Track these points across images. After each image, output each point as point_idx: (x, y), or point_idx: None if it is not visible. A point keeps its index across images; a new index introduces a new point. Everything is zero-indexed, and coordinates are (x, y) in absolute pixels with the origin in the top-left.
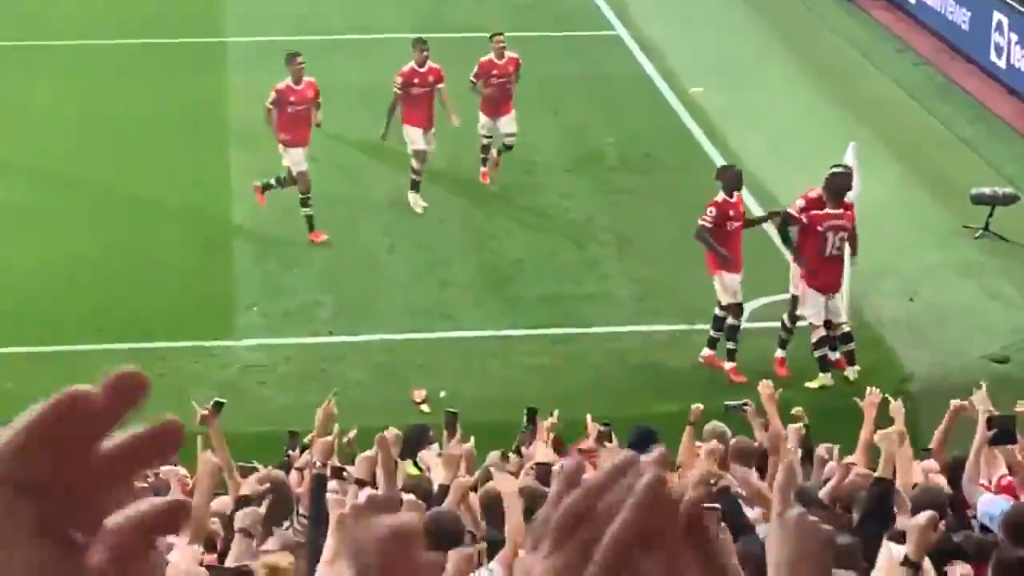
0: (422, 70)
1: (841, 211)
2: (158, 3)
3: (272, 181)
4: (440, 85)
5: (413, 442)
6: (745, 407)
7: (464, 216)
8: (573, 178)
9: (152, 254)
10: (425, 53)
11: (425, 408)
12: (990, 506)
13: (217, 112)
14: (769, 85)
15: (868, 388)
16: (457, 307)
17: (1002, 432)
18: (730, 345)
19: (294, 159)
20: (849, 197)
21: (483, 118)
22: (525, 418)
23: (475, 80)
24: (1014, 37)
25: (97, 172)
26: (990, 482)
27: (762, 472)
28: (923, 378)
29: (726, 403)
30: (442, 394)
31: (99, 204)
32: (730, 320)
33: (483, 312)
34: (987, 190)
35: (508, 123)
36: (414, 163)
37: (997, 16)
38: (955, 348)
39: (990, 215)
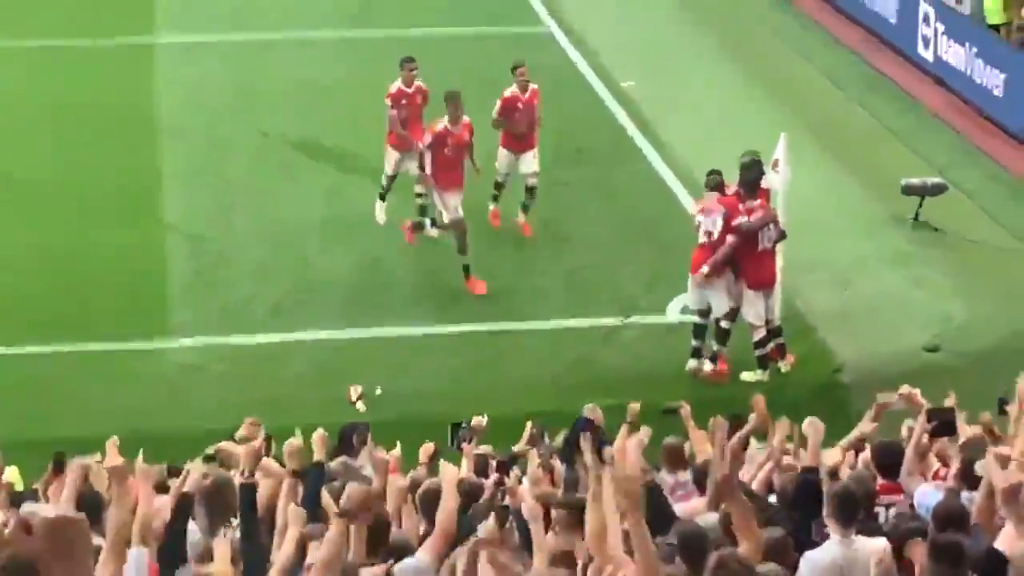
0: (409, 90)
1: (759, 201)
2: (87, 2)
3: (427, 222)
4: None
5: (346, 441)
6: (680, 408)
7: (400, 212)
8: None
9: (86, 254)
10: (413, 72)
11: (360, 406)
12: (926, 497)
13: (147, 109)
14: (699, 77)
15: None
16: (393, 303)
17: (942, 424)
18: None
19: (448, 204)
20: (777, 187)
21: (503, 154)
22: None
23: (500, 118)
24: (940, 28)
25: (28, 171)
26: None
27: None
28: (855, 368)
29: (665, 405)
30: (378, 391)
31: (30, 203)
32: (725, 324)
33: (419, 308)
34: (917, 180)
35: (531, 161)
36: (384, 181)
37: (924, 7)
38: (887, 337)
39: (920, 205)
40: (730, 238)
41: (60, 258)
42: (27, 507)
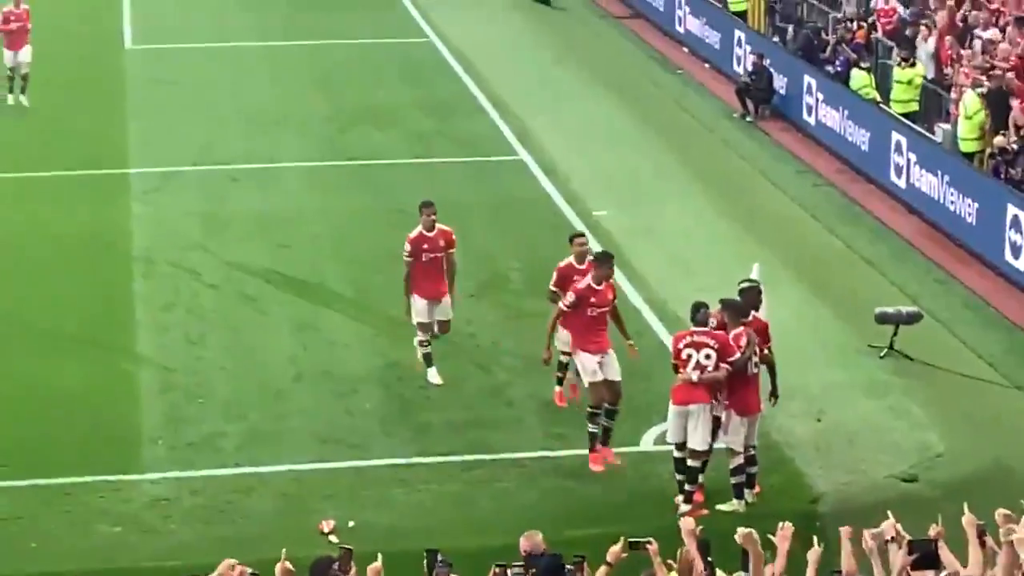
0: (431, 234)
1: (741, 329)
2: (60, 135)
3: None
4: (451, 250)
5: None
6: (648, 544)
7: (370, 343)
8: (478, 303)
9: (55, 385)
10: (433, 217)
11: (333, 539)
12: None
13: (120, 242)
14: (672, 205)
15: (780, 523)
16: (364, 435)
17: (924, 556)
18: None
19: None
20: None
21: (563, 332)
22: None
23: (555, 290)
24: (912, 157)
25: None
26: None
27: None
28: (832, 498)
29: (629, 539)
30: (351, 524)
31: (0, 335)
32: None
33: (391, 440)
34: (891, 309)
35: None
36: (420, 335)
37: (896, 136)
38: (863, 468)
39: (895, 334)
40: (722, 368)
41: (28, 390)
42: None
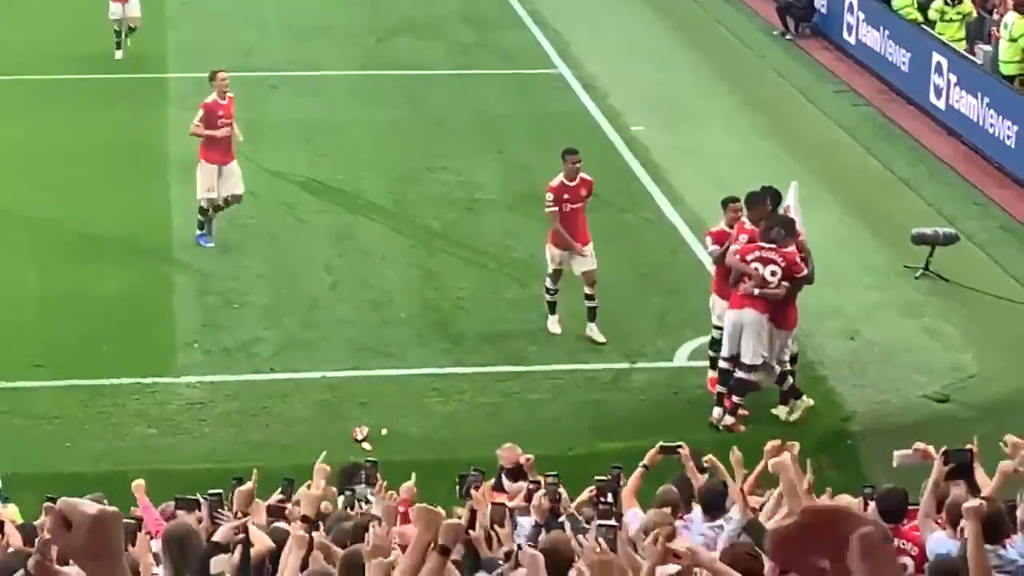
0: (572, 184)
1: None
2: (100, 39)
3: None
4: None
5: (345, 479)
6: (679, 449)
7: (407, 254)
8: (516, 216)
9: (92, 290)
10: (577, 165)
11: (366, 446)
12: (938, 545)
13: (158, 147)
14: (710, 123)
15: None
16: (399, 345)
17: (959, 466)
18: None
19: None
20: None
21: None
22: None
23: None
24: (952, 78)
25: (36, 208)
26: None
27: None
28: (865, 417)
29: (662, 444)
30: (384, 432)
31: (38, 239)
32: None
33: (425, 350)
34: (928, 230)
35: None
36: (548, 283)
37: (936, 57)
38: (896, 387)
39: (931, 255)
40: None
41: (66, 293)
42: (64, 502)
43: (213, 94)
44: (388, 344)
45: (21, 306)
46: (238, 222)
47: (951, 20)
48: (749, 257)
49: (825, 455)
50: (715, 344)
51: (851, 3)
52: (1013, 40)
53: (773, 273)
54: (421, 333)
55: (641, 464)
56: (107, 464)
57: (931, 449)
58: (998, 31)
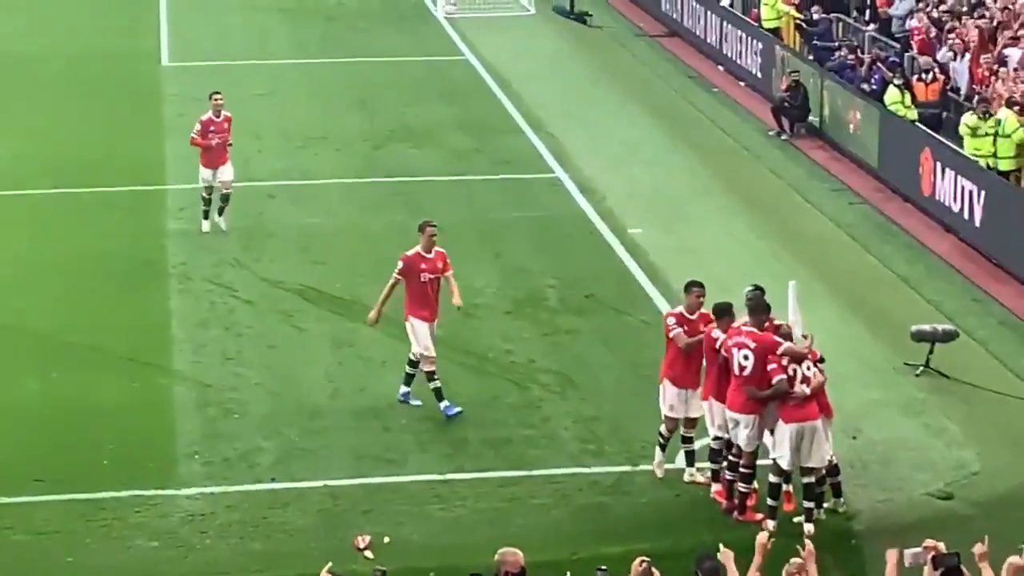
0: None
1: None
2: (99, 151)
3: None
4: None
5: None
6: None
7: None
8: (515, 320)
9: (92, 402)
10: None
11: (369, 554)
12: None
13: (157, 259)
14: (707, 224)
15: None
16: (401, 451)
17: (948, 570)
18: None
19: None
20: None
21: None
22: None
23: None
24: (949, 174)
25: (37, 319)
26: None
27: None
28: (868, 516)
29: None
30: (386, 540)
31: (39, 351)
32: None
33: (427, 456)
34: (927, 327)
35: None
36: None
37: (931, 154)
38: (899, 486)
39: (931, 352)
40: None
41: (68, 408)
42: None
43: (210, 111)
44: (389, 451)
45: (21, 419)
46: (236, 331)
47: (985, 135)
48: (729, 342)
49: (828, 555)
50: (715, 454)
51: (845, 102)
52: (1006, 136)
53: (746, 357)
54: (422, 439)
55: None
56: None
57: (941, 545)
58: (997, 129)
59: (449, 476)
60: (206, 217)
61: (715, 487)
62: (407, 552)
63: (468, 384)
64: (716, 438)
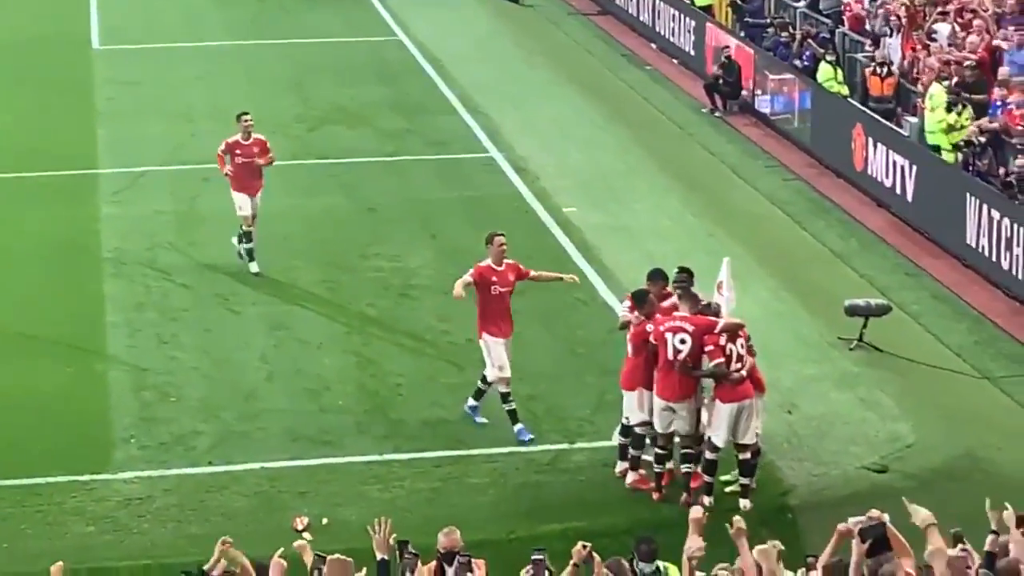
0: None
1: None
2: (30, 136)
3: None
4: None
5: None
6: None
7: (343, 341)
8: (451, 301)
9: (28, 386)
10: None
11: (307, 536)
12: None
13: (90, 244)
14: (641, 202)
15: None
16: (338, 432)
17: (876, 541)
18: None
19: None
20: (722, 310)
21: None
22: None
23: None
24: (880, 150)
25: None
26: None
27: None
28: (804, 490)
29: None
30: (324, 521)
31: None
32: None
33: (364, 437)
34: (860, 301)
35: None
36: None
37: (863, 130)
38: (835, 460)
39: (864, 326)
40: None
41: (2, 394)
42: None
43: (238, 134)
44: (326, 432)
45: None
46: (171, 315)
47: (962, 128)
48: (662, 328)
49: (765, 530)
50: (639, 440)
51: (777, 78)
52: (933, 110)
53: (683, 341)
54: (359, 420)
55: (572, 563)
56: (45, 563)
57: (885, 516)
58: (923, 103)
59: (386, 456)
60: (252, 258)
61: (632, 476)
62: (345, 533)
63: (405, 364)
64: (644, 423)
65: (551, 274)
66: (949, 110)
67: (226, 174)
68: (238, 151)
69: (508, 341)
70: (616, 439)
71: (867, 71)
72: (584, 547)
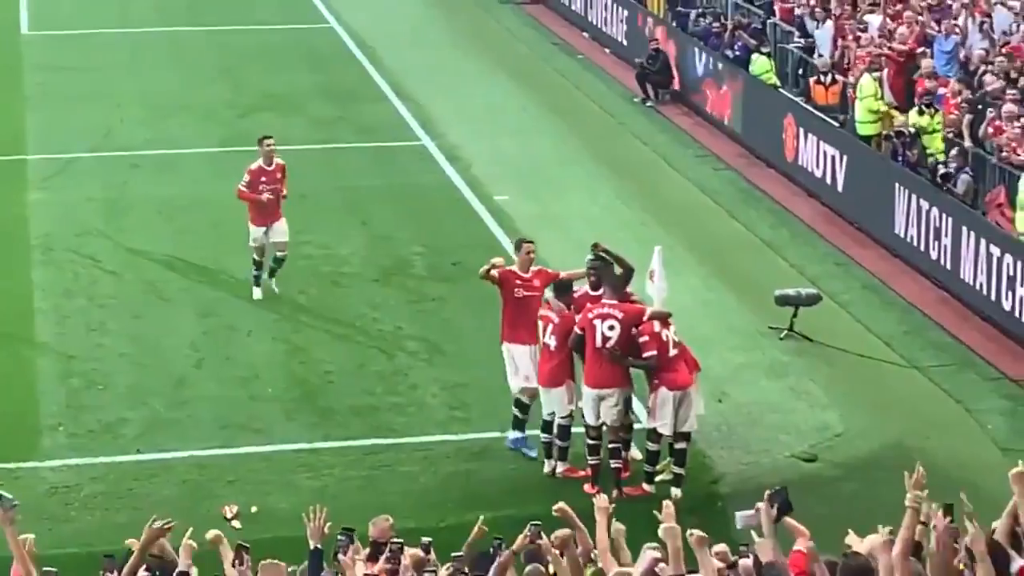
0: (526, 275)
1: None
2: None
3: None
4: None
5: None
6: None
7: (273, 329)
8: (381, 288)
9: None
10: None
11: (236, 524)
12: None
13: (18, 231)
14: (573, 191)
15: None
16: (267, 421)
17: (782, 505)
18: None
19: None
20: (654, 299)
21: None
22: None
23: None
24: (811, 140)
25: None
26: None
27: None
28: (734, 478)
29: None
30: (253, 509)
31: None
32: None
33: (294, 425)
34: (791, 291)
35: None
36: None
37: (794, 120)
38: (764, 448)
39: (794, 316)
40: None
41: None
42: None
43: (260, 160)
44: (256, 420)
45: None
46: (99, 302)
47: (933, 132)
48: (590, 315)
49: (695, 518)
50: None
51: (708, 68)
52: (862, 100)
53: (611, 328)
54: (289, 408)
55: (510, 550)
56: None
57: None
58: (853, 93)
59: (316, 445)
60: (257, 283)
61: (562, 466)
62: (275, 521)
63: (335, 352)
64: (568, 416)
65: (578, 271)
66: (922, 113)
67: (261, 201)
68: (263, 179)
69: (534, 348)
70: (542, 436)
71: (811, 80)
72: (532, 527)
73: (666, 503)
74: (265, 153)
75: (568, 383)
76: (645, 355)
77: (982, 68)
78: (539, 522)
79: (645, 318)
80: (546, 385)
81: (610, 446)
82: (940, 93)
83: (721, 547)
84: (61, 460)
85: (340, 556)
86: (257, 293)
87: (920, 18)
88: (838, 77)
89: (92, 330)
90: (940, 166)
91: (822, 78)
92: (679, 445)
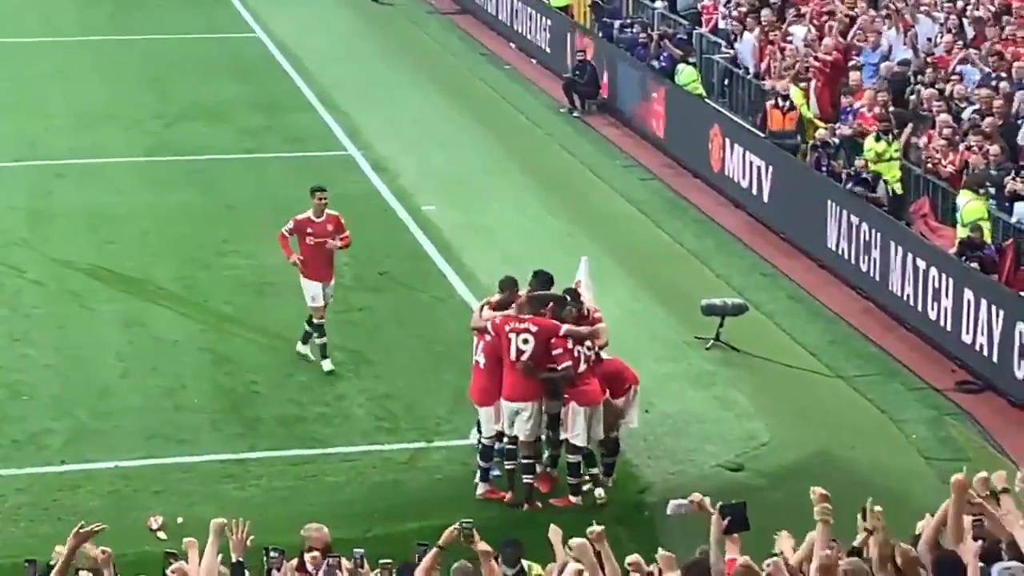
0: (318, 220)
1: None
2: None
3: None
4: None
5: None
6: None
7: (198, 339)
8: None
9: None
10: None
11: (162, 535)
12: None
13: None
14: (500, 201)
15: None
16: (193, 431)
17: (735, 519)
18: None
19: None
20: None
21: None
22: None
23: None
24: (737, 150)
25: None
26: None
27: None
28: (661, 488)
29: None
30: (179, 520)
31: None
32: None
33: (220, 435)
34: (717, 301)
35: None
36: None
37: (719, 130)
38: (690, 458)
39: (720, 325)
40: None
41: None
42: None
43: (309, 211)
44: (181, 431)
45: None
46: (23, 312)
47: (891, 159)
48: (506, 327)
49: (622, 528)
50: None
51: (634, 78)
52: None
53: (525, 341)
54: (215, 419)
55: (436, 544)
56: None
57: (707, 500)
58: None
59: (242, 455)
60: (325, 355)
61: (482, 487)
62: (200, 532)
63: (261, 362)
64: (493, 436)
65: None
66: (878, 139)
67: (294, 263)
68: (310, 230)
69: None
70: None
71: (768, 104)
72: (462, 523)
73: (590, 529)
74: (317, 205)
75: (497, 403)
76: (560, 367)
77: (910, 79)
78: (471, 520)
79: (561, 334)
80: (476, 403)
81: (523, 461)
82: (857, 106)
83: (634, 558)
84: None
85: (275, 573)
86: (302, 348)
87: (849, 30)
88: (795, 103)
89: (16, 340)
90: (864, 172)
91: (779, 102)
92: (607, 460)
